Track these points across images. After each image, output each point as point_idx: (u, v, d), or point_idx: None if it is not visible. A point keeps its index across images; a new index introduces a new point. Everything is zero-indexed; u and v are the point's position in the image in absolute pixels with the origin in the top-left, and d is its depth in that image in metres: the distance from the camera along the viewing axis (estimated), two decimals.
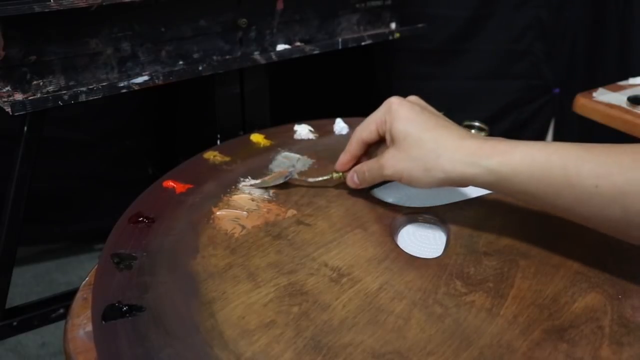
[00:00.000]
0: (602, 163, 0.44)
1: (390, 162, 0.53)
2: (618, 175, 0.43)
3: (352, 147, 0.59)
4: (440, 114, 0.56)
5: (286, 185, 0.61)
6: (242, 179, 0.62)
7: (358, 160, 0.60)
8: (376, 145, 0.59)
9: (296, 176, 0.62)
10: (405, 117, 0.53)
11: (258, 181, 0.61)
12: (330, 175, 0.61)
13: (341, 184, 0.61)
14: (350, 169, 0.60)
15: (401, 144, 0.53)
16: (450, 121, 0.55)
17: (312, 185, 0.61)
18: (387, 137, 0.55)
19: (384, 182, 0.65)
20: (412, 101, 0.56)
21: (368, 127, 0.57)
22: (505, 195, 0.51)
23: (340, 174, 0.60)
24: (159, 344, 0.40)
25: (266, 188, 0.61)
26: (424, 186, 0.52)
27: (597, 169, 0.44)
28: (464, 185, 0.52)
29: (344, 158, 0.60)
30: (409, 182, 0.53)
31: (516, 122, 1.69)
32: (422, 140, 0.51)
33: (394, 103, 0.54)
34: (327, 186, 0.61)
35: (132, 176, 1.42)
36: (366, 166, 0.57)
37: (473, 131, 0.71)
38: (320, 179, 0.61)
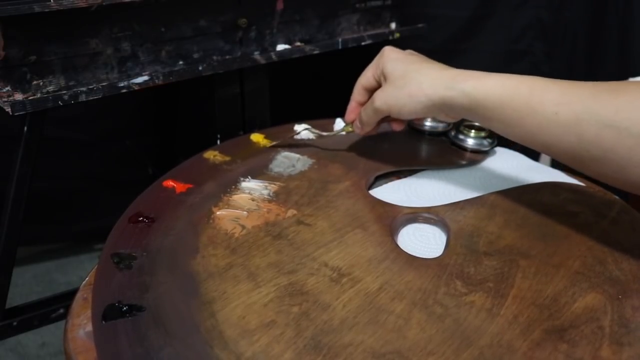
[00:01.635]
0: (563, 92, 0.48)
1: (379, 95, 0.60)
2: (577, 103, 0.46)
3: (354, 94, 0.66)
4: (428, 58, 0.61)
5: (286, 185, 0.61)
6: (241, 178, 0.62)
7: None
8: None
9: (311, 136, 0.71)
10: (394, 57, 0.60)
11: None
12: (344, 127, 0.69)
13: (341, 184, 0.61)
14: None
15: (390, 80, 0.59)
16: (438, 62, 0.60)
17: (327, 136, 0.70)
18: (382, 80, 0.61)
19: (383, 183, 0.65)
20: (405, 51, 0.63)
21: (365, 74, 0.64)
22: (480, 121, 0.54)
23: (350, 125, 0.67)
24: (159, 344, 0.40)
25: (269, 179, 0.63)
26: (409, 113, 0.57)
27: (559, 98, 0.48)
28: (444, 110, 0.55)
29: (350, 106, 0.67)
30: (397, 111, 0.58)
31: None
32: (407, 72, 0.57)
33: (387, 49, 0.62)
34: (327, 183, 0.61)
35: (132, 176, 1.42)
36: (363, 108, 0.63)
37: (473, 131, 0.71)
38: (334, 133, 0.70)
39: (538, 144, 0.50)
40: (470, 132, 0.71)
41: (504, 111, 0.51)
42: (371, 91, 0.63)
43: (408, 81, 0.57)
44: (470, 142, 0.71)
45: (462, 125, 0.72)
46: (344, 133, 0.70)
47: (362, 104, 0.65)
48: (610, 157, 0.45)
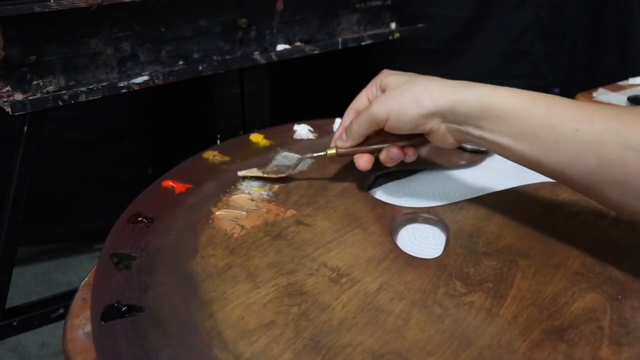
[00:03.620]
0: (584, 110, 0.45)
1: (377, 100, 0.54)
2: (599, 122, 0.43)
3: (345, 119, 0.60)
4: None
5: (285, 186, 0.61)
6: (241, 178, 0.62)
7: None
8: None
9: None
10: (394, 72, 0.56)
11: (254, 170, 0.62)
12: (325, 152, 0.60)
13: (341, 184, 0.61)
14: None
15: (392, 88, 0.54)
16: None
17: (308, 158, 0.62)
18: (379, 94, 0.57)
19: (383, 183, 0.65)
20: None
21: (359, 98, 0.60)
22: (488, 134, 0.50)
23: (334, 150, 0.59)
24: (158, 344, 0.40)
25: (264, 180, 0.61)
26: (410, 120, 0.52)
27: (580, 115, 0.44)
28: (449, 118, 0.51)
29: (338, 132, 0.60)
30: (397, 117, 0.53)
31: None
32: (412, 79, 0.53)
33: (383, 71, 0.58)
34: (325, 186, 0.61)
35: (132, 176, 1.42)
36: (355, 119, 0.57)
37: None
38: (316, 155, 0.61)
39: (551, 165, 0.46)
40: None
41: (517, 123, 0.47)
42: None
43: (413, 85, 0.53)
44: None
45: None
46: (326, 154, 0.60)
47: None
48: (633, 183, 0.42)
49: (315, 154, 0.61)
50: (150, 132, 1.46)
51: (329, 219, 0.56)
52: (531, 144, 0.47)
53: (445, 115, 0.51)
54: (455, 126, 0.51)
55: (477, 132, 0.50)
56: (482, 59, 1.61)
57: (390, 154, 0.56)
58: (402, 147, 0.57)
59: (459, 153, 0.70)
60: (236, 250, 0.51)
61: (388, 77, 0.56)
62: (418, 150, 0.58)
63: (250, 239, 0.53)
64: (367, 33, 1.09)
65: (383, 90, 0.56)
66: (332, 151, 0.59)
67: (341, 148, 0.59)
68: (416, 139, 0.56)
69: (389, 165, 0.58)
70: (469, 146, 0.70)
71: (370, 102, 0.57)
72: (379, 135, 0.57)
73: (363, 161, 0.58)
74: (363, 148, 0.58)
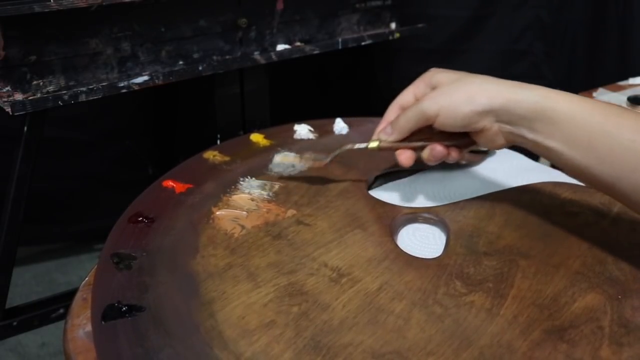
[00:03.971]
0: None
1: (429, 96, 0.53)
2: None
3: (388, 114, 0.58)
4: None
5: (286, 185, 0.61)
6: (240, 178, 0.62)
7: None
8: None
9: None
10: (444, 70, 0.54)
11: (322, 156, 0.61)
12: (366, 145, 0.58)
13: (341, 184, 0.61)
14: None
15: (444, 85, 0.52)
16: None
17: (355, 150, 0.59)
18: (427, 91, 0.54)
19: (383, 183, 0.65)
20: None
21: (404, 94, 0.57)
22: (542, 138, 0.48)
23: (377, 143, 0.57)
24: (158, 344, 0.40)
25: (268, 184, 0.61)
26: (463, 117, 0.50)
27: (638, 124, 0.43)
28: (503, 118, 0.50)
29: (380, 126, 0.58)
30: (448, 114, 0.51)
31: None
32: (464, 77, 0.52)
33: (432, 69, 0.55)
34: (326, 186, 0.61)
35: (132, 176, 1.42)
36: (402, 113, 0.55)
37: None
38: (357, 146, 0.59)
39: (603, 175, 0.45)
40: None
41: (573, 129, 0.45)
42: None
43: (467, 83, 0.51)
44: None
45: None
46: (364, 146, 0.59)
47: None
48: None
49: (356, 146, 0.59)
50: (150, 132, 1.46)
51: (329, 219, 0.56)
52: (585, 151, 0.45)
53: (499, 115, 0.50)
54: (509, 127, 0.50)
55: (530, 135, 0.49)
56: (482, 59, 1.61)
57: (435, 153, 0.55)
58: (447, 147, 0.55)
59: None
60: (237, 250, 0.51)
61: (438, 74, 0.54)
62: (463, 153, 0.57)
63: (251, 238, 0.53)
64: (367, 33, 1.09)
65: (433, 88, 0.54)
66: (374, 144, 0.57)
67: (384, 142, 0.57)
68: (463, 139, 0.55)
69: (431, 164, 0.56)
70: None
71: (417, 99, 0.55)
72: (423, 133, 0.56)
73: (405, 157, 0.56)
74: (406, 144, 0.56)
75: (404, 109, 0.56)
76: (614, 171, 0.44)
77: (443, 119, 0.52)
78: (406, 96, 0.57)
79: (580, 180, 0.48)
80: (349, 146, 0.60)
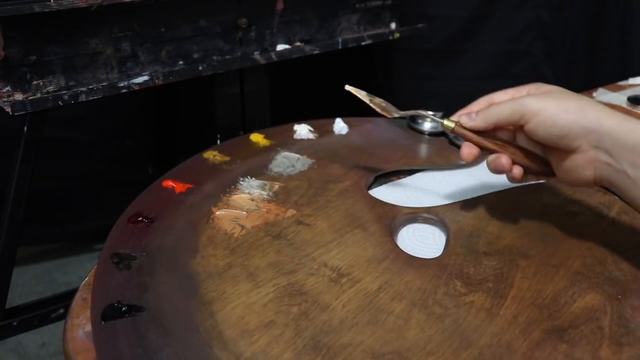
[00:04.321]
0: None
1: (535, 96, 0.48)
2: None
3: (476, 104, 0.53)
4: None
5: (286, 186, 0.61)
6: (240, 178, 0.62)
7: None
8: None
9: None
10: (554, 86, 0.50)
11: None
12: (443, 121, 0.54)
13: (341, 184, 0.61)
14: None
15: (553, 91, 0.48)
16: None
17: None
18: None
19: (383, 183, 0.65)
20: None
21: (502, 92, 0.52)
22: (630, 172, 0.44)
23: (453, 123, 0.53)
24: (158, 344, 0.40)
25: (268, 183, 0.60)
26: (563, 125, 0.45)
27: None
28: (606, 143, 0.45)
29: (465, 110, 0.53)
30: (549, 116, 0.46)
31: None
32: (575, 94, 0.47)
33: (536, 83, 0.51)
34: (326, 187, 0.61)
35: (132, 176, 1.42)
36: (494, 104, 0.51)
37: None
38: (432, 115, 0.56)
39: None
40: None
41: None
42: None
43: (579, 98, 0.46)
44: None
45: None
46: (440, 121, 0.54)
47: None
48: None
49: (430, 114, 0.56)
50: (150, 132, 1.47)
51: (329, 219, 0.56)
52: None
53: (602, 139, 0.45)
54: (608, 158, 0.45)
55: (631, 171, 0.44)
56: (482, 59, 1.61)
57: (497, 163, 0.51)
58: (514, 163, 0.51)
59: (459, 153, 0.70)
60: (236, 250, 0.51)
61: (547, 85, 0.50)
62: (527, 178, 0.52)
63: (251, 238, 0.53)
64: (367, 33, 1.09)
65: (542, 92, 0.49)
66: (450, 124, 0.53)
67: (463, 125, 0.52)
68: (539, 164, 0.51)
69: (490, 171, 0.52)
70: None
71: (513, 98, 0.50)
72: (502, 140, 0.52)
73: (469, 151, 0.52)
74: (481, 139, 0.52)
75: (491, 104, 0.52)
76: None
77: (540, 121, 0.46)
78: (501, 94, 0.52)
79: None
80: (422, 112, 0.57)
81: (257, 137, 0.72)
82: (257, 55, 0.94)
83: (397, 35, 1.12)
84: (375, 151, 0.69)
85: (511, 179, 0.52)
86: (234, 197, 0.59)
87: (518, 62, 1.63)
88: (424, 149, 0.73)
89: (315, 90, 1.42)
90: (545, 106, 0.46)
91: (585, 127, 0.45)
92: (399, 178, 0.66)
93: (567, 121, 0.45)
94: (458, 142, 0.71)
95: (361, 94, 0.57)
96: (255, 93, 1.01)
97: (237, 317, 0.43)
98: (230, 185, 0.61)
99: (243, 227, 0.54)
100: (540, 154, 0.51)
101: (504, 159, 0.50)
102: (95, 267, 0.49)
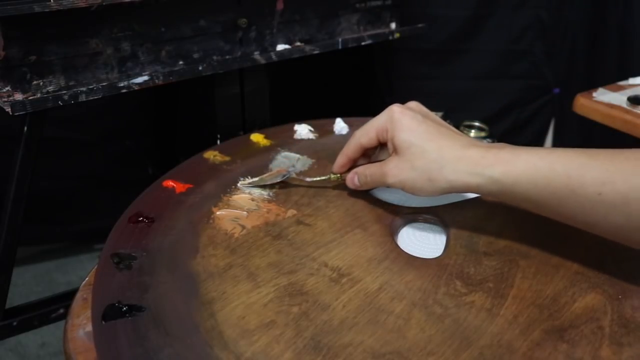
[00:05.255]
0: (604, 170, 0.44)
1: (393, 171, 0.53)
2: (621, 182, 0.43)
3: (350, 151, 0.58)
4: (441, 121, 0.55)
5: (286, 186, 0.61)
6: (241, 178, 0.62)
7: (354, 164, 0.60)
8: (373, 149, 0.59)
9: (294, 175, 0.62)
10: (407, 126, 0.53)
11: (256, 179, 0.61)
12: (328, 176, 0.60)
13: (341, 185, 0.61)
14: (347, 171, 0.60)
15: (404, 154, 0.52)
16: (452, 128, 0.54)
17: (310, 185, 0.61)
18: (390, 146, 0.55)
19: None
20: (413, 108, 0.55)
21: (368, 134, 0.56)
22: (508, 203, 0.52)
23: (338, 175, 0.60)
24: (158, 344, 0.40)
25: (264, 186, 0.61)
26: (426, 195, 0.52)
27: (600, 177, 0.44)
28: (465, 190, 0.51)
29: (341, 160, 0.59)
30: (412, 192, 0.53)
31: (516, 122, 1.69)
32: (425, 151, 0.51)
33: (396, 112, 0.54)
34: (325, 186, 0.61)
35: (132, 176, 1.42)
36: (369, 170, 0.57)
37: (473, 131, 0.71)
38: (318, 178, 0.61)
39: (581, 224, 0.47)
40: (470, 132, 0.71)
41: (540, 194, 0.47)
42: (369, 150, 0.59)
43: (427, 163, 0.51)
44: None
45: (461, 126, 0.72)
46: (329, 178, 0.61)
47: (354, 161, 0.59)
48: None
49: (318, 178, 0.61)
50: (150, 132, 1.46)
51: (329, 219, 0.56)
52: (556, 209, 0.47)
53: (463, 192, 0.52)
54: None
55: (500, 198, 0.51)
56: (482, 59, 1.61)
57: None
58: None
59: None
60: (237, 250, 0.51)
61: (401, 134, 0.53)
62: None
63: (251, 238, 0.53)
64: (367, 33, 1.09)
65: (395, 148, 0.53)
66: (335, 176, 0.60)
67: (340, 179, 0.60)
68: None
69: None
70: None
71: (379, 140, 0.56)
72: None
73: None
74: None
75: (363, 148, 0.57)
76: (588, 221, 0.46)
77: (409, 191, 0.53)
78: (369, 137, 0.56)
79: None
80: (307, 179, 0.62)
81: (257, 137, 0.72)
82: (257, 55, 0.94)
83: (397, 35, 1.11)
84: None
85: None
86: (234, 197, 0.59)
87: (518, 62, 1.63)
88: None
89: (315, 90, 1.42)
90: (403, 184, 0.53)
91: (444, 192, 0.51)
92: None
93: (429, 193, 0.52)
94: None
95: (253, 181, 0.61)
96: (255, 93, 1.01)
97: (238, 317, 0.43)
98: (231, 185, 0.61)
99: (243, 227, 0.54)
100: None
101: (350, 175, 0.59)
102: (96, 267, 0.49)
